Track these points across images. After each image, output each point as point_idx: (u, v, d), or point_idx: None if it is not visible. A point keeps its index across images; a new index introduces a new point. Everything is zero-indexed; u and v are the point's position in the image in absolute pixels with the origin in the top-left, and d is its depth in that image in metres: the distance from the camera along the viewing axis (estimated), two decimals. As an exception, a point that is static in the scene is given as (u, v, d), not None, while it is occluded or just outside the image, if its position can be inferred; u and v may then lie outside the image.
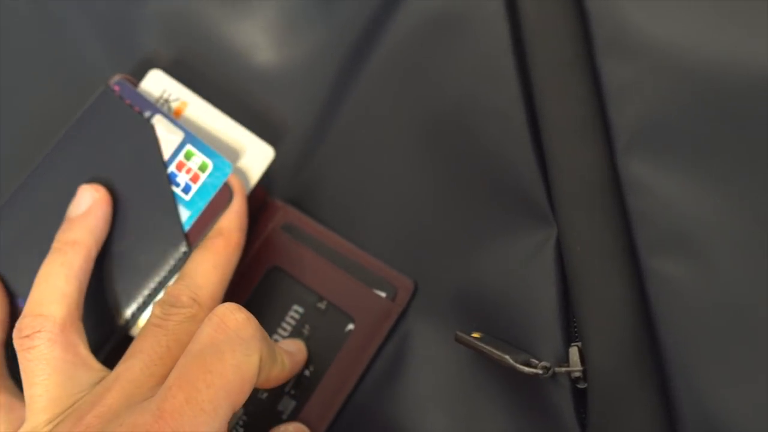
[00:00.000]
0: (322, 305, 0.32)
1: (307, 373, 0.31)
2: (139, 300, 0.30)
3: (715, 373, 0.25)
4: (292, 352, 0.30)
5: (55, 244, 0.29)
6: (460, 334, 0.29)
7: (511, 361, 0.27)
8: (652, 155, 0.27)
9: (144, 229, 0.31)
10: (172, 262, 0.30)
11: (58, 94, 0.36)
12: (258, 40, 0.35)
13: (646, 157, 0.27)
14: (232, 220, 0.31)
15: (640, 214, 0.27)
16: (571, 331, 0.28)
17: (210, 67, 0.36)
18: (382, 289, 0.31)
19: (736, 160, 0.26)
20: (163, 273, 0.31)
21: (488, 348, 0.28)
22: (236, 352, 0.25)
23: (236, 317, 0.25)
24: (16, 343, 0.27)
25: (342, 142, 0.33)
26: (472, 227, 0.30)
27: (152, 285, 0.30)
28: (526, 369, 0.27)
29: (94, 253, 0.29)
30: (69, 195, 0.31)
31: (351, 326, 0.31)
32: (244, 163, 0.33)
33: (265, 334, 0.26)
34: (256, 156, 0.33)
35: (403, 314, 0.31)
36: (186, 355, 0.25)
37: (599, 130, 0.29)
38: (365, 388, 0.31)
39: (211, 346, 0.25)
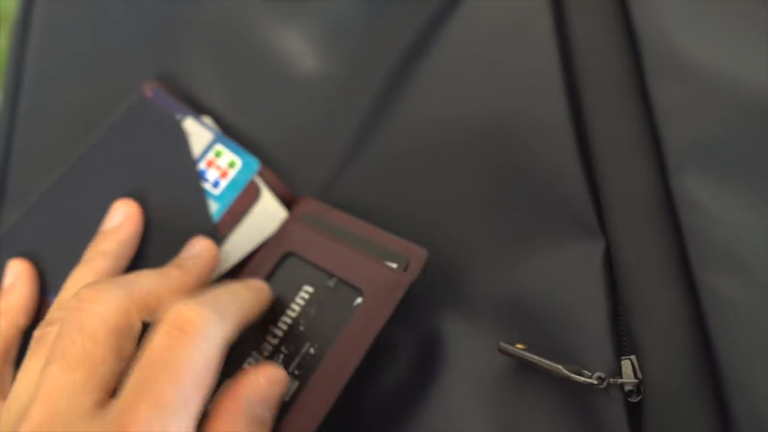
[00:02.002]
0: (331, 283, 0.31)
1: (312, 351, 0.29)
2: None
3: (770, 387, 0.25)
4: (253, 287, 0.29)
5: (87, 254, 0.30)
6: (503, 344, 0.28)
7: (565, 370, 0.26)
8: (705, 174, 0.27)
9: (176, 221, 0.31)
10: None
11: (98, 93, 0.36)
12: (302, 49, 0.35)
13: (700, 175, 0.28)
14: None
15: (694, 230, 0.27)
16: (621, 344, 0.27)
17: (252, 75, 0.35)
18: (393, 261, 0.30)
19: None
20: None
21: (538, 358, 0.27)
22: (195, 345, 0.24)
23: (188, 316, 0.24)
24: (35, 333, 0.26)
25: (385, 152, 0.33)
26: (517, 238, 0.30)
27: None
28: (581, 378, 0.26)
29: (123, 264, 0.30)
30: (104, 194, 0.32)
31: (359, 300, 0.30)
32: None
33: (219, 305, 0.25)
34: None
35: (415, 284, 0.30)
36: (140, 362, 0.23)
37: (649, 148, 0.29)
38: (397, 392, 0.29)
39: (166, 349, 0.23)
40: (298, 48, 0.36)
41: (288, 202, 0.33)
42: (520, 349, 0.28)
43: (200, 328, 0.24)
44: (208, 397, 0.24)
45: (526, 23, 0.32)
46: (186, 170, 0.32)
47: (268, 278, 0.32)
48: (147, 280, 0.27)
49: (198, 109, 0.35)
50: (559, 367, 0.26)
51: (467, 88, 0.32)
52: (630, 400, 0.26)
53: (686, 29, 0.29)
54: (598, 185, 0.29)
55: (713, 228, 0.27)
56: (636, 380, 0.26)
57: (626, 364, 0.27)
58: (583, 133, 0.30)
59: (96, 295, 0.25)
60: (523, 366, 0.28)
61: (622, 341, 0.27)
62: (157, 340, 0.24)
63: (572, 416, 0.27)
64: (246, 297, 0.28)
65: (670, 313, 0.27)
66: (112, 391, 0.24)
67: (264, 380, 0.26)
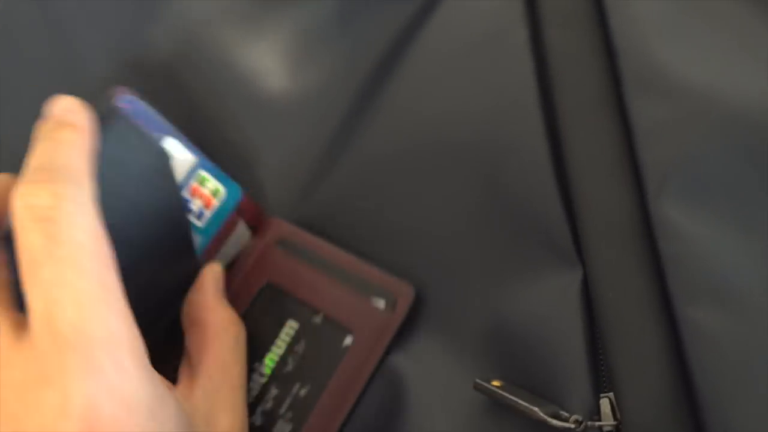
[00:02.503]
0: (317, 319, 0.30)
1: (302, 392, 0.29)
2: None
3: (753, 424, 0.24)
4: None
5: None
6: (479, 382, 0.27)
7: (542, 414, 0.25)
8: (685, 199, 0.26)
9: (159, 257, 0.28)
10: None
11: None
12: (271, 65, 0.34)
13: (679, 200, 0.26)
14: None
15: (673, 259, 0.26)
16: (600, 379, 0.26)
17: (220, 91, 0.34)
18: (380, 296, 0.29)
19: None
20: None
21: (513, 399, 0.26)
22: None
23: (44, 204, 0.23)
24: None
25: (357, 169, 0.32)
26: (495, 266, 0.29)
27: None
28: (558, 423, 0.25)
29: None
30: None
31: (349, 340, 0.29)
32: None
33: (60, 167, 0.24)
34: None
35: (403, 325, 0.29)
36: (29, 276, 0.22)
37: (628, 169, 0.28)
38: (372, 425, 0.28)
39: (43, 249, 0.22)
40: (268, 64, 0.34)
41: (259, 221, 0.32)
42: (497, 386, 0.27)
43: (63, 210, 0.23)
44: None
45: (501, 36, 0.30)
46: (172, 204, 0.29)
47: (248, 310, 0.31)
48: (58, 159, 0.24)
49: None
50: (536, 409, 0.25)
51: (442, 104, 0.31)
52: (609, 440, 0.25)
53: (666, 43, 0.28)
54: (575, 209, 0.28)
55: (694, 257, 0.26)
56: (614, 422, 0.25)
57: (605, 403, 0.26)
58: (561, 155, 0.28)
59: None
60: (497, 404, 0.27)
61: (601, 377, 0.26)
62: (27, 239, 0.22)
63: (550, 457, 0.26)
64: (72, 137, 0.25)
65: (648, 347, 0.26)
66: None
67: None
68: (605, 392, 0.26)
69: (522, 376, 0.27)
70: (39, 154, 0.24)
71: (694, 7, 0.28)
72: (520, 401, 0.25)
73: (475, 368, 0.28)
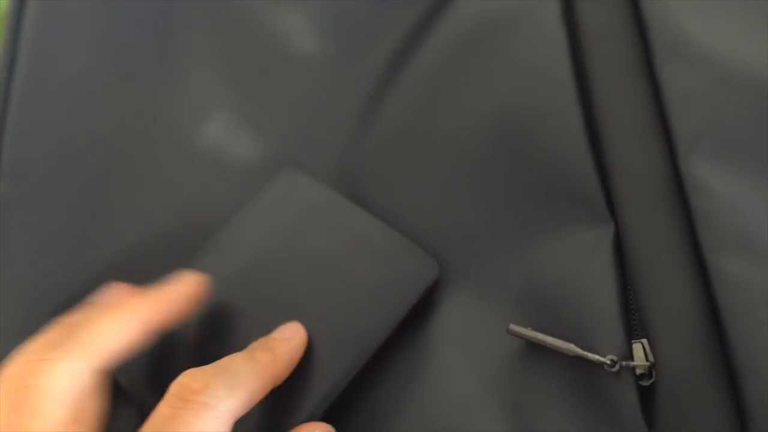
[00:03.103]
0: None
1: None
2: None
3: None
4: (286, 339, 0.28)
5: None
6: (514, 327, 0.27)
7: (578, 349, 0.25)
8: (715, 159, 0.27)
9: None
10: None
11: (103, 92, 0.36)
12: (305, 29, 0.34)
13: (709, 160, 0.27)
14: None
15: (704, 214, 0.27)
16: (631, 328, 0.27)
17: (253, 58, 0.34)
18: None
19: None
20: None
21: (550, 338, 0.26)
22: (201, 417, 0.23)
23: (192, 387, 0.24)
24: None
25: (390, 138, 0.33)
26: (526, 223, 0.29)
27: None
28: (594, 356, 0.25)
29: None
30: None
31: None
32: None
33: (229, 375, 0.25)
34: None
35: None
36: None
37: (659, 132, 0.29)
38: (409, 377, 0.28)
39: (167, 419, 0.23)
40: (300, 29, 0.35)
41: None
42: (531, 330, 0.27)
43: (204, 399, 0.24)
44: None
45: (533, 9, 0.32)
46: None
47: None
48: (241, 370, 0.26)
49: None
50: (571, 345, 0.26)
51: (474, 74, 0.32)
52: (642, 383, 0.26)
53: (694, 14, 0.29)
54: (608, 170, 0.29)
55: (723, 212, 0.27)
56: (647, 363, 0.26)
57: (637, 348, 0.26)
58: (593, 119, 0.30)
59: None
60: (533, 350, 0.27)
61: (633, 325, 0.27)
62: (159, 409, 0.24)
63: (584, 399, 0.27)
64: (264, 366, 0.26)
65: (680, 296, 0.26)
66: None
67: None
68: (637, 339, 0.26)
69: (556, 327, 0.28)
70: (237, 362, 0.26)
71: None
72: (556, 339, 0.26)
73: (509, 319, 0.29)
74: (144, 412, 0.25)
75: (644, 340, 0.26)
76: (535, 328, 0.28)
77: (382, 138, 0.33)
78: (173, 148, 0.34)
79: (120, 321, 0.26)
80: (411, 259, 0.30)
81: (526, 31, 0.32)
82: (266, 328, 0.29)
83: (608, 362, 0.25)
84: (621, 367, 0.26)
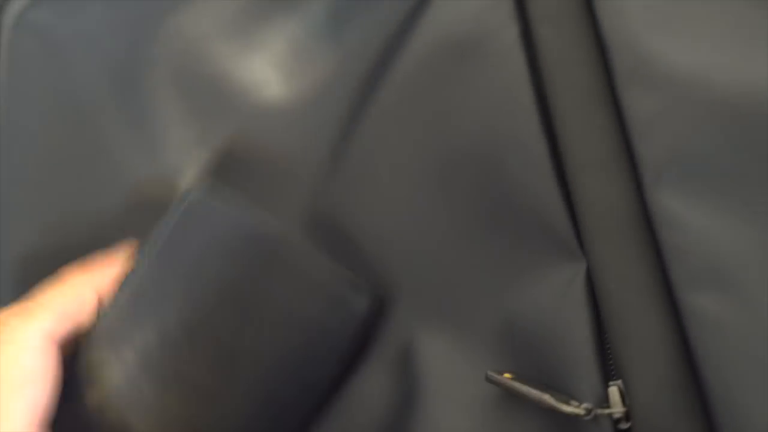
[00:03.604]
0: None
1: None
2: None
3: (760, 407, 0.25)
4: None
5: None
6: (491, 373, 0.28)
7: (553, 401, 0.26)
8: (683, 188, 0.27)
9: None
10: None
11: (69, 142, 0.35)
12: (266, 76, 0.34)
13: (677, 189, 0.27)
14: None
15: (674, 249, 0.27)
16: (607, 368, 0.27)
17: (217, 107, 0.34)
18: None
19: None
20: None
21: (525, 387, 0.27)
22: None
23: None
24: None
25: (355, 176, 0.32)
26: (500, 262, 0.29)
27: None
28: (568, 408, 0.26)
29: None
30: None
31: None
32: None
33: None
34: None
35: None
36: None
37: (625, 161, 0.28)
38: (386, 424, 0.29)
39: None
40: (263, 74, 0.35)
41: None
42: (508, 378, 0.28)
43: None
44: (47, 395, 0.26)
45: (491, 35, 0.31)
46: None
47: None
48: None
49: None
50: (546, 396, 0.26)
51: (438, 108, 0.32)
52: (620, 427, 0.26)
53: (657, 33, 0.28)
54: (575, 204, 0.28)
55: (694, 245, 0.26)
56: (623, 409, 0.26)
57: (613, 391, 0.26)
58: (558, 151, 0.29)
59: None
60: (511, 395, 0.28)
61: (610, 365, 0.27)
62: None
63: (563, 446, 0.27)
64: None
65: (652, 335, 0.26)
66: None
67: None
68: (614, 381, 0.27)
69: (532, 368, 0.28)
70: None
71: (680, -2, 0.28)
72: (531, 389, 0.26)
73: (486, 363, 0.29)
74: None
75: (620, 382, 0.27)
76: (514, 372, 0.28)
77: (352, 176, 0.33)
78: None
79: (73, 289, 0.29)
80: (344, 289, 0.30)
81: (487, 60, 0.31)
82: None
83: (582, 412, 0.26)
84: (596, 415, 0.26)
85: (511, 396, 0.28)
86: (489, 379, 0.28)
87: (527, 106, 0.30)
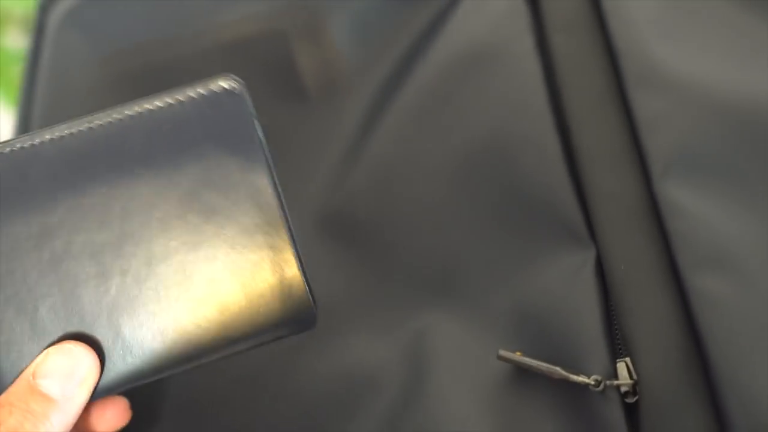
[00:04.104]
0: None
1: None
2: None
3: (763, 383, 0.26)
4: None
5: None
6: (503, 352, 0.29)
7: (563, 371, 0.27)
8: (688, 180, 0.29)
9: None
10: None
11: None
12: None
13: (682, 181, 0.29)
14: None
15: (680, 235, 0.28)
16: (615, 347, 0.28)
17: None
18: None
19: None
20: None
21: (536, 362, 0.28)
22: None
23: None
24: None
25: (375, 172, 0.34)
26: (513, 251, 0.31)
27: None
28: (578, 378, 0.27)
29: None
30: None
31: None
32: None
33: None
34: None
35: None
36: None
37: (634, 157, 0.30)
38: (400, 402, 0.30)
39: None
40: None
41: None
42: (519, 355, 0.29)
43: None
44: None
45: (510, 43, 0.33)
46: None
47: None
48: None
49: None
50: (557, 368, 0.27)
51: (456, 110, 0.33)
52: (627, 400, 0.27)
53: (662, 41, 0.31)
54: (587, 196, 0.30)
55: (698, 231, 0.28)
56: (631, 381, 0.27)
57: (621, 366, 0.27)
58: (571, 147, 0.31)
59: None
60: (522, 373, 0.29)
61: (617, 344, 0.28)
62: None
63: (572, 419, 0.28)
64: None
65: (660, 315, 0.27)
66: None
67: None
68: (621, 358, 0.28)
69: (543, 349, 0.29)
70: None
71: (685, 8, 0.31)
72: (542, 363, 0.27)
73: (498, 344, 0.30)
74: None
75: (627, 359, 0.28)
76: (524, 352, 0.29)
77: (368, 175, 0.34)
78: None
79: None
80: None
81: (505, 65, 0.33)
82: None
83: (592, 383, 0.27)
84: (605, 386, 0.27)
85: (520, 376, 0.29)
86: (501, 357, 0.29)
87: (541, 107, 0.32)
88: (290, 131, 0.36)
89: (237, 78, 0.27)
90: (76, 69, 0.37)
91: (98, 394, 0.27)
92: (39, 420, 0.25)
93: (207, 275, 0.27)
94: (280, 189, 0.27)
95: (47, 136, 0.26)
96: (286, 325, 0.28)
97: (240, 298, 0.27)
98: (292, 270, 0.27)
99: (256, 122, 0.27)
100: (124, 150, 0.27)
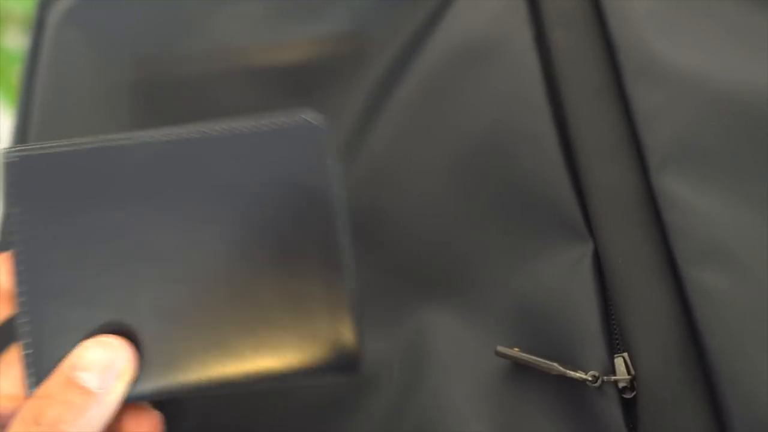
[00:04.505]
0: None
1: None
2: None
3: (761, 376, 0.25)
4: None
5: None
6: (501, 348, 0.29)
7: (561, 367, 0.27)
8: (686, 173, 0.28)
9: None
10: None
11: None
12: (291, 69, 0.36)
13: (680, 174, 0.28)
14: None
15: (677, 228, 0.28)
16: (613, 342, 0.28)
17: (242, 99, 0.36)
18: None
19: (766, 174, 0.27)
20: None
21: (534, 358, 0.27)
22: None
23: None
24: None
25: (372, 168, 0.34)
26: (511, 245, 0.31)
27: None
28: (576, 374, 0.26)
29: None
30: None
31: None
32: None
33: None
34: None
35: None
36: None
37: (631, 150, 0.30)
38: (398, 400, 0.30)
39: None
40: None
41: None
42: (517, 351, 0.28)
43: None
44: None
45: (509, 37, 0.33)
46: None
47: None
48: None
49: None
50: (555, 364, 0.27)
51: (453, 104, 0.33)
52: (625, 396, 0.27)
53: (661, 34, 0.31)
54: (584, 189, 0.30)
55: (695, 224, 0.28)
56: (629, 377, 0.27)
57: (619, 362, 0.27)
58: (568, 141, 0.31)
59: None
60: (520, 368, 0.29)
61: (615, 339, 0.28)
62: None
63: (570, 415, 0.28)
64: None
65: (658, 309, 0.27)
66: None
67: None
68: (619, 353, 0.28)
69: (541, 344, 0.29)
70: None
71: (683, 1, 0.31)
72: (540, 359, 0.27)
73: (496, 339, 0.30)
74: None
75: (625, 354, 0.27)
76: (522, 348, 0.29)
77: (365, 171, 0.34)
78: None
79: None
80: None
81: (503, 60, 0.33)
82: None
83: (590, 378, 0.27)
84: (603, 382, 0.27)
85: (518, 372, 0.29)
86: (499, 353, 0.29)
87: (539, 101, 0.32)
88: None
89: (319, 114, 0.28)
90: (76, 68, 0.37)
91: (133, 397, 0.27)
92: (78, 412, 0.25)
93: (264, 302, 0.27)
94: (348, 231, 0.28)
95: (139, 140, 0.27)
96: (331, 368, 0.28)
97: (291, 332, 0.27)
98: (347, 314, 0.27)
99: (334, 160, 0.27)
100: (207, 165, 0.27)
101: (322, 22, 0.36)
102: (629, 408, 0.27)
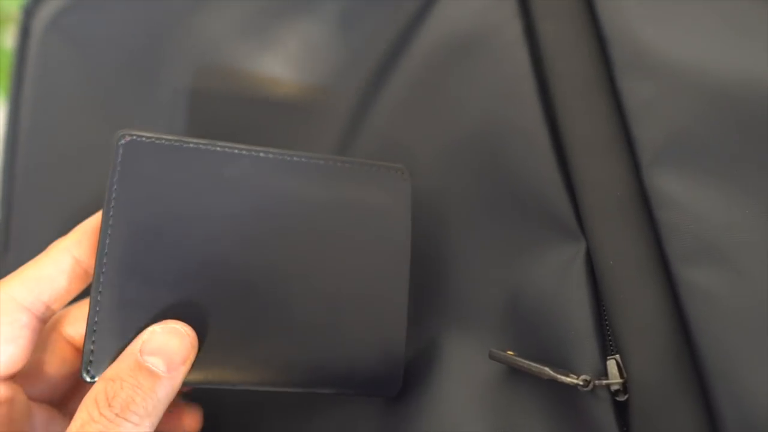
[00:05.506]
0: None
1: None
2: None
3: (755, 376, 0.25)
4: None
5: None
6: (494, 351, 0.28)
7: (552, 371, 0.26)
8: (678, 169, 0.28)
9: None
10: None
11: (91, 134, 0.36)
12: (279, 72, 0.36)
13: (672, 170, 0.28)
14: None
15: (670, 226, 0.27)
16: (606, 344, 0.27)
17: (232, 102, 0.36)
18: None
19: (760, 169, 0.27)
20: None
21: (526, 362, 0.27)
22: None
23: None
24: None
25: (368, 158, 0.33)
26: (503, 245, 0.30)
27: None
28: (567, 378, 0.26)
29: None
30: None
31: None
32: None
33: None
34: None
35: None
36: None
37: (623, 146, 0.29)
38: (394, 404, 0.29)
39: None
40: (277, 70, 0.36)
41: None
42: (510, 355, 0.28)
43: None
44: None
45: (496, 30, 0.32)
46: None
47: None
48: None
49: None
50: (546, 368, 0.27)
51: (442, 99, 0.33)
52: (617, 399, 0.27)
53: (652, 26, 0.30)
54: (575, 187, 0.29)
55: (688, 222, 0.27)
56: (621, 380, 0.26)
57: (611, 364, 0.27)
58: (559, 135, 0.30)
59: None
60: (514, 370, 0.28)
61: (608, 341, 0.27)
62: None
63: (563, 418, 0.27)
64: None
65: (649, 310, 0.27)
66: None
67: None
68: (611, 355, 0.27)
69: (534, 346, 0.29)
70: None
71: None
72: (531, 363, 0.27)
73: (490, 342, 0.29)
74: None
75: (617, 356, 0.27)
76: (516, 350, 0.29)
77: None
78: None
79: (47, 256, 0.29)
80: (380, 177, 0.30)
81: (492, 53, 0.32)
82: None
83: (581, 383, 0.26)
84: (594, 386, 0.26)
85: (513, 374, 0.29)
86: (492, 357, 0.28)
87: (529, 95, 0.31)
88: (280, 130, 0.36)
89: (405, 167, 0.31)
90: (61, 74, 0.37)
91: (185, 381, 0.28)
92: (147, 395, 0.26)
93: (329, 314, 0.29)
94: (409, 272, 0.30)
95: (248, 151, 0.29)
96: (373, 383, 0.29)
97: (344, 343, 0.29)
98: (400, 340, 0.30)
99: (410, 208, 0.31)
100: (307, 188, 0.30)
101: (310, 19, 0.36)
102: (622, 410, 0.27)
